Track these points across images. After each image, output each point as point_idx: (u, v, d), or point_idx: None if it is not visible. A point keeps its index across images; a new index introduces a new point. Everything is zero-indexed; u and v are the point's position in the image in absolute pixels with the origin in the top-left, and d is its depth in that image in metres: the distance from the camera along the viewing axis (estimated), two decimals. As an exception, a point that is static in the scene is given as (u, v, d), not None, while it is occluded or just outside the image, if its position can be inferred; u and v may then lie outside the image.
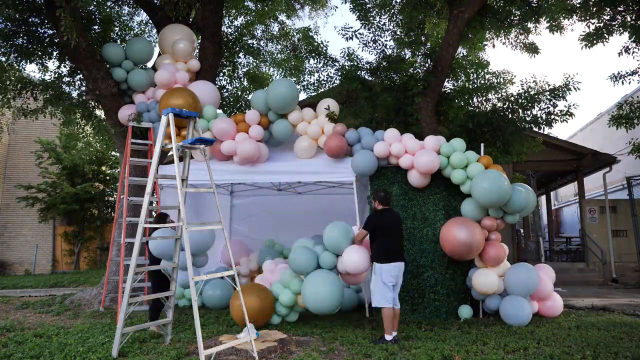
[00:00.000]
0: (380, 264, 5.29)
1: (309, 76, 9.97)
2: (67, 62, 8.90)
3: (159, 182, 7.51)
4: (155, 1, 9.15)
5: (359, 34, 8.75)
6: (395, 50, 9.12)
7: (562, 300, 6.75)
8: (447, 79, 8.69)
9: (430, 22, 9.87)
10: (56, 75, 9.14)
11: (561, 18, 9.15)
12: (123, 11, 10.51)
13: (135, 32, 10.97)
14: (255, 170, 7.35)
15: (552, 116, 7.88)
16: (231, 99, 11.16)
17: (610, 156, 12.18)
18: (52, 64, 30.83)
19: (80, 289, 10.34)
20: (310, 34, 9.98)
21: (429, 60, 8.82)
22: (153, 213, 8.29)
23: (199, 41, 9.25)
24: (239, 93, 11.60)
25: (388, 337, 5.16)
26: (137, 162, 7.63)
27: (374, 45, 8.83)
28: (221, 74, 11.18)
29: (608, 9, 8.51)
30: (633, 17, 8.45)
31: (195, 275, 4.69)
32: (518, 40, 9.86)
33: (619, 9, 8.47)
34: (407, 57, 9.05)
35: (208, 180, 5.37)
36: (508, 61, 77.82)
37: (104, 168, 16.54)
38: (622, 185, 14.31)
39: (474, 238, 6.11)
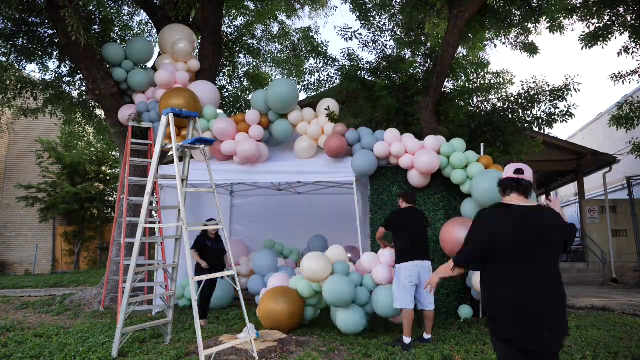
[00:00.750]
0: (399, 264, 5.16)
1: (309, 76, 9.98)
2: (67, 62, 8.90)
3: (159, 182, 7.51)
4: (155, 1, 9.15)
5: (359, 34, 8.75)
6: (395, 50, 9.12)
7: None
8: (447, 79, 8.70)
9: (430, 22, 9.87)
10: (56, 75, 9.14)
11: (561, 18, 9.14)
12: (123, 11, 10.51)
13: (135, 32, 10.97)
14: (255, 170, 7.35)
15: (553, 117, 7.88)
16: (231, 99, 11.16)
17: (610, 156, 12.19)
18: (52, 64, 30.86)
19: (80, 289, 10.34)
20: (311, 34, 9.98)
21: (429, 60, 8.83)
22: (153, 213, 8.31)
23: (199, 41, 9.26)
24: (239, 93, 11.61)
25: (407, 340, 4.94)
26: (137, 162, 7.63)
27: (374, 45, 8.83)
28: (221, 74, 11.18)
29: (608, 9, 8.50)
30: (633, 17, 8.44)
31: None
32: (518, 40, 9.86)
33: (619, 9, 8.46)
34: (407, 57, 9.05)
35: (208, 180, 5.37)
36: (508, 61, 77.85)
37: (104, 168, 16.55)
38: (622, 185, 14.32)
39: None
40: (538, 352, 2.29)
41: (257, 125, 7.38)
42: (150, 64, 8.89)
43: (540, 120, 7.96)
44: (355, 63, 8.67)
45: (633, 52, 8.84)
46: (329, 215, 9.66)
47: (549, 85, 7.96)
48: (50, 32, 8.50)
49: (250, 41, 11.48)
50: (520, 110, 8.07)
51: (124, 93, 8.33)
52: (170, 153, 9.16)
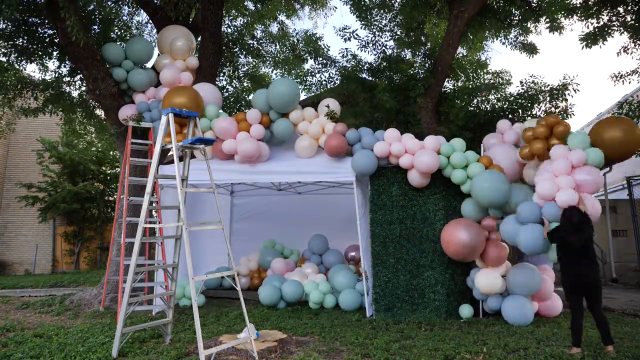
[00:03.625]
0: None
1: (310, 77, 9.97)
2: (67, 62, 8.90)
3: (159, 182, 7.51)
4: (156, 1, 9.15)
5: (357, 35, 8.75)
6: (395, 51, 9.12)
7: (561, 301, 6.74)
8: (447, 79, 8.70)
9: (430, 22, 9.87)
10: (56, 75, 9.13)
11: (562, 18, 9.14)
12: (123, 11, 10.51)
13: (134, 32, 10.96)
14: (255, 170, 7.35)
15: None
16: (231, 99, 11.17)
17: (610, 156, 12.15)
18: (52, 64, 30.83)
19: (80, 289, 10.34)
20: (314, 38, 9.90)
21: (429, 60, 8.83)
22: (153, 213, 8.31)
23: (199, 41, 9.26)
24: (239, 93, 11.61)
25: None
26: (137, 162, 7.63)
27: (374, 45, 8.83)
28: (221, 74, 11.18)
29: (608, 10, 8.51)
30: (633, 18, 8.45)
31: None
32: (517, 41, 9.86)
33: (619, 9, 8.47)
34: (407, 58, 9.06)
35: (208, 180, 5.37)
36: (508, 61, 77.84)
37: (104, 168, 16.55)
38: (622, 185, 14.29)
39: (478, 240, 6.13)
40: None
41: (258, 124, 7.39)
42: (150, 64, 8.90)
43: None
44: (356, 63, 8.67)
45: (632, 52, 8.86)
46: (329, 215, 9.67)
47: (547, 86, 7.96)
48: (50, 32, 8.49)
49: (250, 41, 11.48)
50: (521, 111, 8.07)
51: (124, 93, 8.33)
52: (171, 153, 9.16)
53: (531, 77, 8.15)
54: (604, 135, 5.89)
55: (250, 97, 11.38)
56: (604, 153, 5.83)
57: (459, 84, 9.32)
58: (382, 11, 9.36)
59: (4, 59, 8.59)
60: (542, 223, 5.70)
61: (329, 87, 9.78)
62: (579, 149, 5.78)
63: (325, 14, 13.07)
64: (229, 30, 11.41)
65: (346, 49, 8.72)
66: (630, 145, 5.85)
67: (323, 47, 9.17)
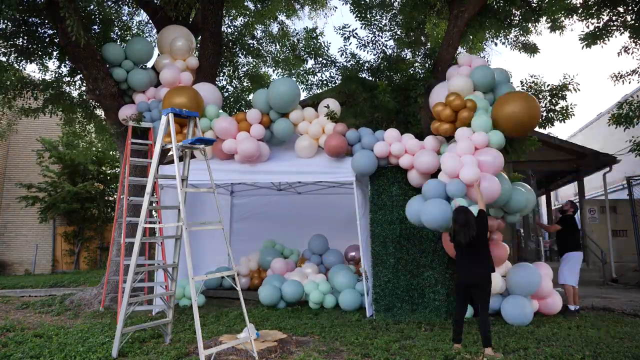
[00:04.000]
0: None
1: (312, 76, 9.96)
2: (67, 62, 8.90)
3: (159, 182, 7.51)
4: (156, 1, 9.15)
5: (356, 34, 8.75)
6: (395, 50, 9.11)
7: (561, 298, 6.77)
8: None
9: (430, 22, 9.86)
10: (56, 75, 9.13)
11: (562, 18, 9.15)
12: (123, 11, 10.50)
13: (135, 32, 10.96)
14: (255, 170, 7.35)
15: (552, 114, 7.87)
16: (231, 99, 11.16)
17: (610, 156, 12.17)
18: (52, 64, 30.81)
19: (80, 289, 10.34)
20: (314, 35, 9.89)
21: (429, 60, 8.82)
22: (153, 213, 8.30)
23: (199, 41, 9.26)
24: (239, 93, 11.61)
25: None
26: (137, 162, 7.63)
27: (374, 45, 8.83)
28: (221, 74, 11.18)
29: (608, 9, 8.51)
30: (633, 17, 8.45)
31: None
32: (518, 41, 9.85)
33: (619, 9, 8.47)
34: (407, 58, 9.05)
35: (208, 180, 5.37)
36: (508, 61, 77.87)
37: (104, 168, 16.55)
38: (622, 185, 14.31)
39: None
40: None
41: (258, 124, 7.39)
42: (150, 64, 8.89)
43: (541, 120, 7.94)
44: (355, 61, 8.65)
45: (633, 51, 8.86)
46: (329, 215, 9.67)
47: (548, 85, 7.95)
48: (50, 32, 8.49)
49: (250, 41, 11.48)
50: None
51: (124, 93, 8.33)
52: (171, 153, 9.15)
53: (532, 77, 8.14)
54: (502, 113, 6.10)
55: (250, 97, 11.38)
56: (505, 130, 6.10)
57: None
58: (382, 11, 9.35)
59: (4, 59, 8.58)
60: (448, 199, 5.91)
61: (329, 86, 9.77)
62: (481, 131, 6.04)
63: (325, 14, 13.06)
64: (229, 30, 11.41)
65: (346, 48, 8.65)
66: (528, 121, 6.06)
67: (323, 44, 9.15)
